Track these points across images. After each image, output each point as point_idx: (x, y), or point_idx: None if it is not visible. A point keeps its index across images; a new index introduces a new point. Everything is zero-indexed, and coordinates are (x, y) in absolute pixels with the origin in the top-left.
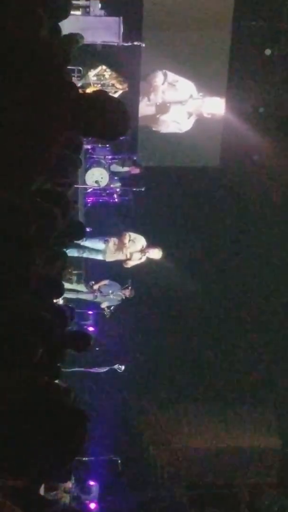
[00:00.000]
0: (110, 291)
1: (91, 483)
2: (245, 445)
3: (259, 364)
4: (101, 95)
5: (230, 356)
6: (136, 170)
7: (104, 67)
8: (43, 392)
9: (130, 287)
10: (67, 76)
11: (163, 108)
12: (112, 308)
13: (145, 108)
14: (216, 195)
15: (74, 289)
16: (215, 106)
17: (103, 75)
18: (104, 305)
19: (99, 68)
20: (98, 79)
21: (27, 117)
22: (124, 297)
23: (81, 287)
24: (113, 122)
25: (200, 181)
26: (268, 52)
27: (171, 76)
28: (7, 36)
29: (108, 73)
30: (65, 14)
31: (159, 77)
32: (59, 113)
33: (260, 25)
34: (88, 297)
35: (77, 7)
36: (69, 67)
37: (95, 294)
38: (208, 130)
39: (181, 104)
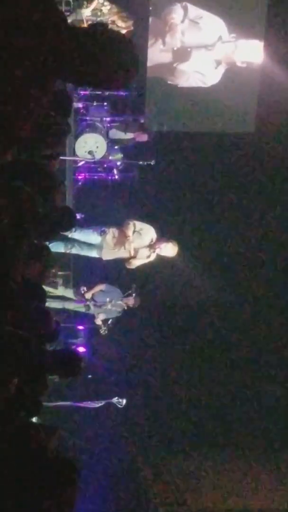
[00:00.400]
0: (108, 300)
1: None
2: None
3: None
4: (98, 28)
5: (258, 395)
6: (142, 137)
7: (107, 4)
8: (19, 439)
9: (134, 294)
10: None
11: (182, 54)
12: (110, 322)
13: (157, 54)
14: (248, 172)
15: (60, 296)
16: (252, 52)
17: (101, 10)
18: (99, 318)
19: (95, 1)
20: (94, 14)
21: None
22: (126, 308)
23: (68, 294)
24: (115, 62)
25: (229, 152)
26: None
27: (194, 10)
28: None
29: (107, 7)
30: None
31: (177, 12)
32: (39, 54)
33: None
34: (79, 307)
35: None
36: None
37: (87, 303)
38: (240, 84)
39: (206, 49)
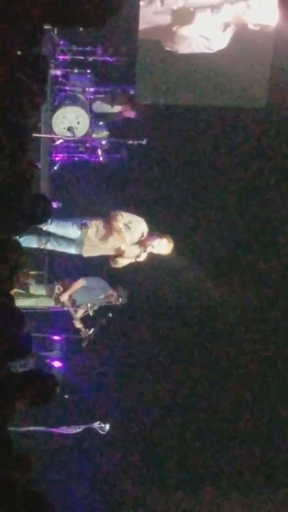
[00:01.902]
0: (90, 302)
1: None
2: None
3: None
4: None
5: (257, 425)
6: (131, 113)
7: None
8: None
9: (119, 294)
10: None
11: (183, 15)
12: (92, 330)
13: (153, 15)
14: (255, 155)
15: (32, 297)
16: (266, 13)
17: None
18: (77, 324)
19: None
20: None
21: None
22: (110, 313)
23: (42, 294)
24: None
25: (234, 132)
26: None
27: None
28: None
29: None
30: None
31: None
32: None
33: None
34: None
35: None
36: None
37: (65, 307)
38: (251, 51)
39: (212, 10)
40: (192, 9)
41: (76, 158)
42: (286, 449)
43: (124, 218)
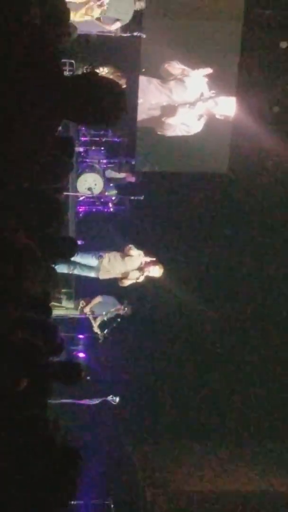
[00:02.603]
0: (104, 312)
1: None
2: (254, 488)
3: (268, 396)
4: (92, 75)
5: (234, 387)
6: (132, 178)
7: (104, 68)
8: (31, 430)
9: (125, 307)
10: (58, 68)
11: (170, 110)
12: (106, 332)
13: (147, 110)
14: (223, 206)
15: (63, 308)
16: (227, 107)
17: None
18: (95, 325)
19: (101, 70)
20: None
21: (16, 111)
22: (119, 317)
23: (71, 307)
24: (107, 103)
25: (206, 189)
26: (284, 45)
27: (180, 69)
28: None
29: (105, 69)
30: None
31: (166, 73)
32: (47, 100)
33: (275, 14)
34: (76, 315)
35: None
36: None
37: (87, 316)
38: (216, 133)
39: (190, 105)
40: (176, 105)
41: (94, 209)
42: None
43: (132, 249)
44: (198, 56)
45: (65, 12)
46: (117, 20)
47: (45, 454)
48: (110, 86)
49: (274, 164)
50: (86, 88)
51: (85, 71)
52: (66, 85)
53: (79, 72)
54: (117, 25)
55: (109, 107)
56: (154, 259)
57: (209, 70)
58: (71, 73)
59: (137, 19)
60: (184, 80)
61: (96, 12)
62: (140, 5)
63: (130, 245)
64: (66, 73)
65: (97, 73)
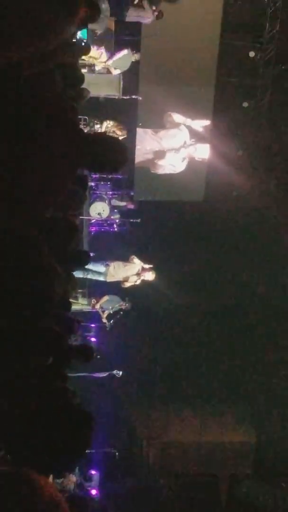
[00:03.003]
0: (110, 307)
1: (93, 472)
2: (224, 439)
3: (237, 370)
4: (103, 136)
5: (210, 363)
6: (131, 205)
7: (110, 123)
8: (58, 396)
9: (126, 303)
10: (77, 125)
11: (160, 154)
12: (111, 322)
13: (143, 154)
14: (200, 224)
15: (79, 304)
16: (203, 152)
17: (107, 126)
18: (104, 317)
19: (105, 124)
20: (104, 127)
21: (44, 158)
22: (122, 311)
23: (84, 303)
24: (113, 156)
25: (187, 213)
26: (245, 104)
27: (171, 121)
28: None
29: (110, 123)
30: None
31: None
32: (69, 153)
33: (239, 82)
34: (89, 309)
35: (84, 66)
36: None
37: (97, 310)
38: (195, 171)
39: (176, 150)
40: (165, 150)
41: (102, 229)
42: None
43: (134, 259)
44: (180, 113)
45: (81, 78)
46: (118, 68)
47: (65, 416)
48: (117, 144)
49: (238, 194)
50: (99, 146)
51: (96, 126)
52: (86, 142)
53: (91, 125)
54: (118, 71)
55: (115, 161)
56: (149, 266)
57: (206, 122)
58: (85, 126)
59: (134, 69)
60: (172, 131)
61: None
62: (135, 57)
63: (133, 256)
64: (82, 127)
65: (106, 133)
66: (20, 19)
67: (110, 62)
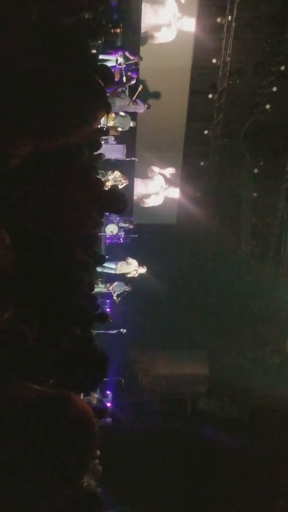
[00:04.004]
0: (118, 289)
1: (108, 392)
2: (189, 371)
3: (198, 326)
4: (113, 190)
5: (182, 323)
6: (131, 226)
7: (117, 173)
8: (90, 342)
9: (128, 286)
10: (96, 177)
11: (146, 195)
12: (119, 298)
13: (138, 195)
14: (174, 239)
15: (99, 287)
16: (175, 193)
17: (115, 177)
18: (114, 295)
19: (114, 174)
20: (113, 179)
21: (76, 205)
22: (125, 291)
23: (102, 287)
24: (120, 205)
25: (164, 231)
26: (202, 163)
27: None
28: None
29: (117, 174)
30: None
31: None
32: (90, 200)
33: (198, 150)
34: (105, 291)
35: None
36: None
37: (110, 290)
38: (169, 204)
39: (156, 194)
40: (150, 193)
41: (113, 242)
42: None
43: (128, 260)
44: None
45: (99, 146)
46: (120, 127)
47: (92, 354)
48: (121, 196)
49: (197, 220)
50: (111, 199)
51: (108, 177)
52: (102, 196)
53: (105, 175)
54: (120, 129)
55: (120, 207)
56: (142, 265)
57: (176, 171)
58: (102, 176)
59: (131, 135)
60: (154, 179)
61: (110, 123)
62: (133, 124)
63: (133, 259)
64: (99, 176)
65: (117, 186)
66: (66, 113)
67: (117, 120)
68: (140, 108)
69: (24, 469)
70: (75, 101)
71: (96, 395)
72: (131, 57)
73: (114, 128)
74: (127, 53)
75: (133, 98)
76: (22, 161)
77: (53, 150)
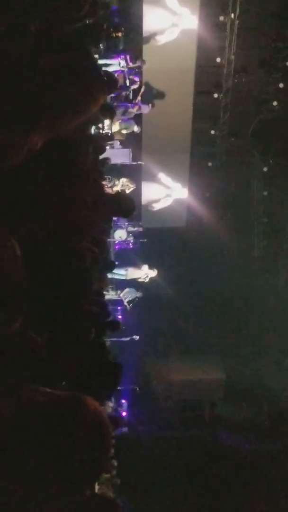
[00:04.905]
0: (129, 295)
1: (123, 401)
2: (205, 377)
3: (213, 333)
4: (120, 194)
5: (195, 329)
6: (140, 229)
7: (124, 179)
8: (102, 349)
9: (139, 292)
10: (102, 185)
11: (155, 199)
12: (131, 305)
13: (147, 201)
14: (184, 242)
15: (110, 294)
16: (184, 194)
17: (124, 183)
18: (125, 302)
19: (121, 181)
20: (122, 185)
21: (85, 208)
22: (137, 298)
23: (113, 293)
24: (127, 209)
25: (174, 234)
26: (209, 164)
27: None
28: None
29: (125, 180)
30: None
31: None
32: (100, 206)
33: (205, 149)
34: (116, 298)
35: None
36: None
37: (120, 297)
38: (176, 206)
39: (164, 197)
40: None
41: (122, 247)
42: None
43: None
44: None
45: (103, 149)
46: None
47: (106, 366)
48: (128, 201)
49: (209, 221)
50: (117, 202)
51: (116, 182)
52: (107, 200)
53: (112, 181)
54: (124, 131)
55: (127, 212)
56: (152, 269)
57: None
58: (108, 182)
59: (137, 139)
60: (162, 182)
61: (115, 128)
62: (138, 129)
63: (143, 264)
64: (106, 182)
65: (124, 192)
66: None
67: (122, 123)
68: (145, 110)
69: (37, 470)
70: (73, 83)
71: (111, 404)
72: (131, 64)
73: (119, 132)
74: (128, 59)
75: (136, 101)
76: (27, 162)
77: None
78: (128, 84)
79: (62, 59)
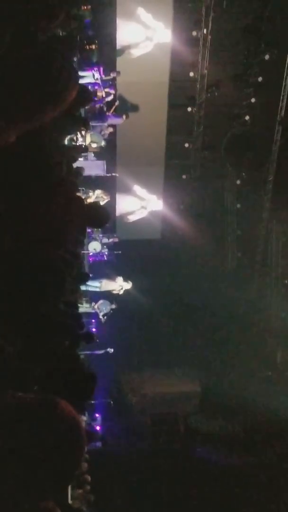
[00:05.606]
0: (104, 308)
1: (97, 414)
2: (180, 390)
3: (188, 347)
4: (93, 205)
5: (170, 343)
6: (116, 239)
7: (99, 191)
8: (75, 361)
9: (113, 305)
10: (76, 194)
11: (129, 211)
12: (105, 317)
13: (121, 212)
14: (158, 253)
15: (84, 307)
16: (159, 206)
17: (99, 195)
18: (100, 315)
19: (95, 193)
20: (97, 196)
21: (58, 219)
22: (111, 310)
23: (88, 306)
24: (101, 218)
25: (149, 246)
26: (184, 177)
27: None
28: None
29: (99, 191)
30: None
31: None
32: (73, 216)
33: (180, 163)
34: (91, 310)
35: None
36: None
37: (95, 309)
38: (151, 218)
39: (138, 209)
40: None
41: (96, 259)
42: None
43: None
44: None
45: (75, 160)
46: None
47: (78, 376)
48: (102, 209)
49: (184, 232)
50: (91, 213)
51: (90, 194)
52: (85, 209)
53: (86, 193)
54: (94, 145)
55: (100, 222)
56: (127, 281)
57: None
58: (82, 194)
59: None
60: (136, 194)
61: (88, 140)
62: (104, 143)
63: (117, 276)
64: (80, 194)
65: (98, 203)
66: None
67: (88, 138)
68: (118, 121)
69: (9, 471)
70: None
71: (84, 418)
72: (104, 76)
73: (90, 144)
74: (101, 71)
75: (110, 113)
76: None
77: (32, 162)
78: (103, 95)
79: (34, 52)
